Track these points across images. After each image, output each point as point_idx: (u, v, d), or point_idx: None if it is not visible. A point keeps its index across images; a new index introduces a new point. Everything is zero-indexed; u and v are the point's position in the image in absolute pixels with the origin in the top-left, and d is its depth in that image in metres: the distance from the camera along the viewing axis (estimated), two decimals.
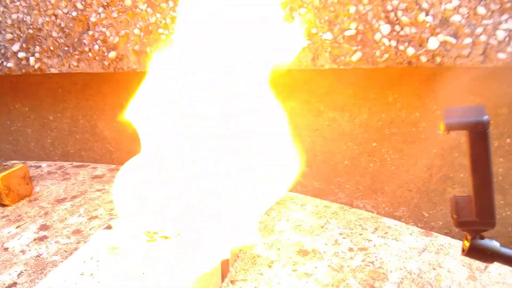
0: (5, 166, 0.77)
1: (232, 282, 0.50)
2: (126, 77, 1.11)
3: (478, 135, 0.31)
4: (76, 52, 1.05)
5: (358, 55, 0.84)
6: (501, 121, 0.86)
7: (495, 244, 0.35)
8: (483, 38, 0.75)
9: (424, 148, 0.93)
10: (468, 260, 0.51)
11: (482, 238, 0.35)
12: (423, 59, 0.80)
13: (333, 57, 0.86)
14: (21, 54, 1.10)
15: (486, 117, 0.31)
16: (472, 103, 0.87)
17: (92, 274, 0.44)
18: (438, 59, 0.80)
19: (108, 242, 0.50)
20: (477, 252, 0.34)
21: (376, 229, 0.59)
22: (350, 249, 0.55)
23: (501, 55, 0.76)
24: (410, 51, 0.80)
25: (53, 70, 1.09)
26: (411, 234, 0.58)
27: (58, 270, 0.45)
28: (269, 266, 0.52)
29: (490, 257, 0.34)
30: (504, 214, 0.91)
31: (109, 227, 0.53)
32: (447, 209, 0.95)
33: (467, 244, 0.35)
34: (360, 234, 0.58)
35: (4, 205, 0.75)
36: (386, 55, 0.82)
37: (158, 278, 0.43)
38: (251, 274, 0.51)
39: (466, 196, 0.36)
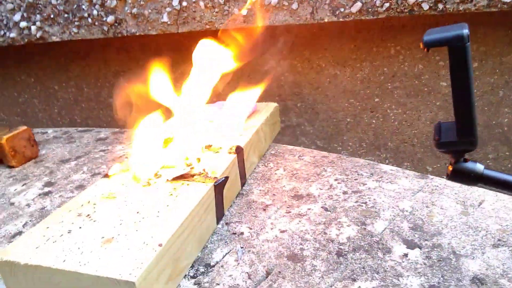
0: (10, 130, 0.79)
1: (227, 224, 0.51)
2: (126, 42, 1.11)
3: (458, 50, 0.30)
4: (76, 19, 1.05)
5: (358, 5, 0.81)
6: (507, 70, 0.84)
7: (479, 166, 0.34)
8: None
9: (427, 102, 0.91)
10: (462, 198, 0.51)
11: (466, 161, 0.34)
12: (425, 6, 0.78)
13: (333, 9, 0.84)
14: (23, 24, 1.10)
15: (465, 31, 0.30)
16: (476, 51, 0.84)
17: (89, 215, 0.46)
18: (440, 6, 0.77)
19: (106, 189, 0.51)
20: (460, 175, 0.34)
21: (372, 174, 0.59)
22: (344, 192, 0.55)
23: None
24: None
25: (54, 38, 1.10)
26: (406, 177, 0.58)
27: (57, 212, 0.47)
28: (264, 210, 0.53)
29: (473, 180, 0.34)
30: (509, 165, 0.90)
31: (106, 176, 0.55)
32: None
33: (450, 168, 0.35)
34: (356, 179, 0.58)
35: (11, 167, 0.77)
36: (387, 5, 0.80)
37: (151, 216, 0.44)
38: (246, 217, 0.52)
39: (451, 121, 0.35)
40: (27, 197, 0.65)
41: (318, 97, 1.00)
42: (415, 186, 0.55)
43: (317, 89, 0.99)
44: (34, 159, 0.81)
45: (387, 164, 0.97)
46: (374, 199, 0.53)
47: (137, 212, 0.45)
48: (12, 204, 0.63)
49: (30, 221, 0.58)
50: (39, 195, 0.66)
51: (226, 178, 0.52)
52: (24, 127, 0.79)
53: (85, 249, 0.39)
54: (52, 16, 1.07)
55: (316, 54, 0.96)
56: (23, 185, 0.70)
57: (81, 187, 0.67)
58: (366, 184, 0.57)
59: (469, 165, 0.34)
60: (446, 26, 0.32)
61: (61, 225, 0.44)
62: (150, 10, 0.97)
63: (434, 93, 0.90)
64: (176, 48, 1.04)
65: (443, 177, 0.95)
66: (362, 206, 0.51)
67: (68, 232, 0.43)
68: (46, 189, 0.67)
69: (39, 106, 1.29)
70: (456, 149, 0.33)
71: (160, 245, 0.39)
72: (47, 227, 0.44)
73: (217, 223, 0.51)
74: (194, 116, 0.66)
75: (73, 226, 0.44)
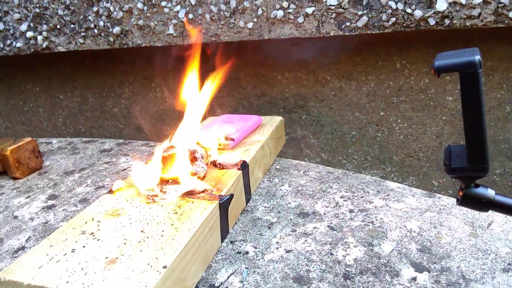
0: (15, 141, 0.79)
1: (231, 242, 0.51)
2: (132, 54, 1.11)
3: (469, 77, 0.29)
4: (82, 29, 1.06)
5: (364, 20, 0.81)
6: None
7: (490, 192, 0.34)
8: None
9: (433, 116, 0.90)
10: (470, 218, 0.51)
11: (477, 186, 0.34)
12: (432, 21, 0.78)
13: (338, 23, 0.84)
14: (29, 34, 1.11)
15: (477, 57, 0.29)
16: (483, 66, 0.84)
17: (92, 233, 0.45)
18: (447, 21, 0.77)
19: (110, 205, 0.51)
20: (471, 200, 0.34)
21: (378, 192, 0.59)
22: (351, 211, 0.54)
23: None
24: (418, 13, 0.77)
25: (60, 48, 1.10)
26: (413, 196, 0.57)
27: (60, 229, 0.46)
28: (269, 228, 0.53)
29: (484, 205, 0.34)
30: None
31: (111, 192, 0.54)
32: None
33: (461, 193, 0.34)
34: (362, 197, 0.58)
35: (15, 178, 0.77)
36: (393, 19, 0.80)
37: (156, 235, 0.43)
38: (251, 235, 0.51)
39: (461, 145, 0.35)
40: (31, 210, 0.65)
41: (323, 110, 0.99)
42: (423, 205, 0.54)
43: (322, 102, 0.99)
44: (38, 171, 0.80)
45: (392, 178, 0.96)
46: (381, 218, 0.52)
47: (142, 231, 0.45)
48: (16, 217, 0.63)
49: (33, 235, 0.58)
50: (43, 208, 0.65)
51: (231, 196, 0.52)
52: (29, 139, 0.79)
53: (88, 270, 0.39)
54: (58, 26, 1.07)
55: (322, 67, 0.96)
56: (27, 197, 0.69)
57: (84, 200, 0.66)
58: (372, 202, 0.56)
59: (480, 190, 0.33)
60: (456, 50, 0.32)
61: (64, 244, 0.44)
62: (156, 22, 0.97)
63: (440, 108, 0.90)
64: (181, 59, 1.04)
65: (449, 192, 0.94)
66: (369, 225, 0.51)
67: (72, 251, 0.42)
68: (50, 202, 0.67)
69: (44, 115, 1.30)
70: (467, 175, 0.33)
71: (164, 267, 0.38)
72: (51, 245, 0.44)
73: (222, 241, 0.51)
74: (196, 131, 0.66)
75: (77, 244, 0.43)
